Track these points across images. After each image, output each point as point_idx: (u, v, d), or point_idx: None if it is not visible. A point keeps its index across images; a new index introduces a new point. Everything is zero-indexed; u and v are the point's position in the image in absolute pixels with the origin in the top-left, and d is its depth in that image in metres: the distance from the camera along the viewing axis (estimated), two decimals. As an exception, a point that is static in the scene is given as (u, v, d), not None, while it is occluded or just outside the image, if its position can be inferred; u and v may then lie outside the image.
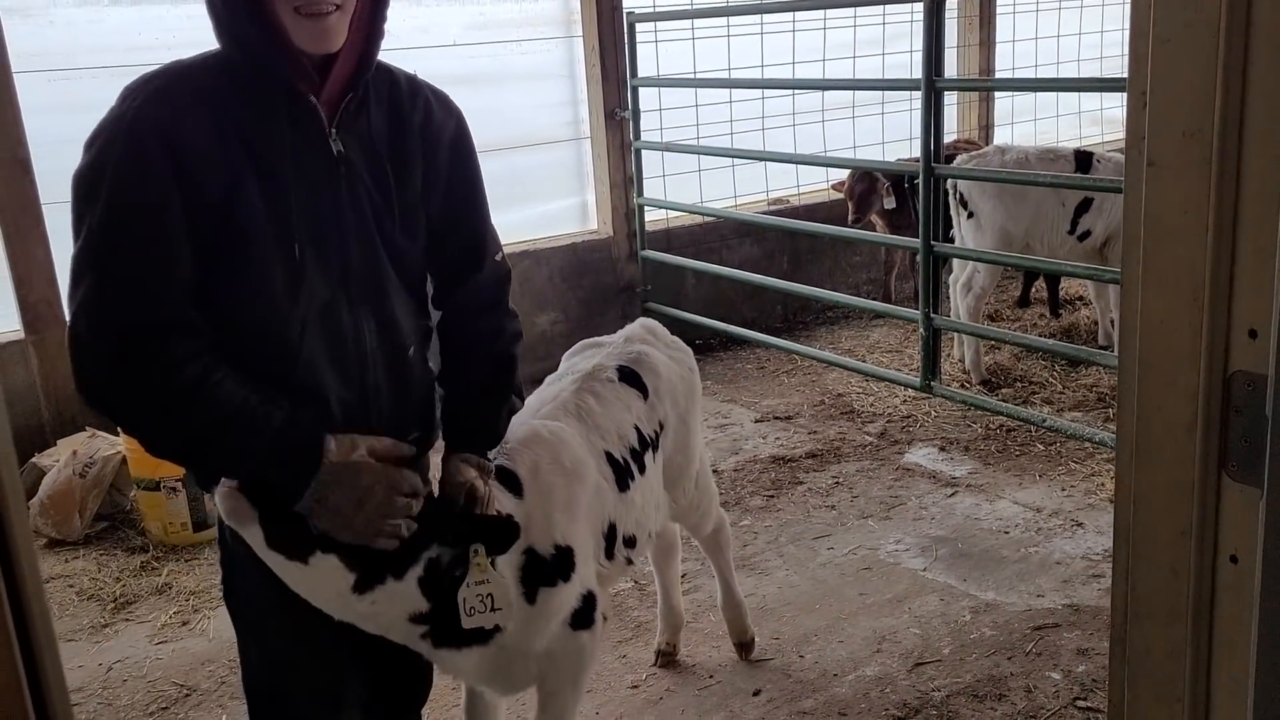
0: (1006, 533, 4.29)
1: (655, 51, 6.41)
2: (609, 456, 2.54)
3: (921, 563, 4.10)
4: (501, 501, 2.16)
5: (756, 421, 5.60)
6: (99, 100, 5.59)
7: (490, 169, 6.55)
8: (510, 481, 2.27)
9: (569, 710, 2.42)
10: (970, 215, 5.61)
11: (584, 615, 2.34)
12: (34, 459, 4.85)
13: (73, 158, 5.57)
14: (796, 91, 6.71)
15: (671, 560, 3.42)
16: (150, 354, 1.76)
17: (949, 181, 5.39)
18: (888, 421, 5.47)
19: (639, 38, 6.32)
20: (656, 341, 3.00)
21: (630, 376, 2.77)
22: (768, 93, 6.66)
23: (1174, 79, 1.24)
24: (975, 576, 3.98)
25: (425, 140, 2.06)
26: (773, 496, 4.72)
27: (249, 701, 2.16)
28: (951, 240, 5.67)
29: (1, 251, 4.91)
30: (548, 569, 2.24)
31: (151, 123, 1.78)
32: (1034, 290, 7.00)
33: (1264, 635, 1.23)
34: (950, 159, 6.79)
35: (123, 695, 3.55)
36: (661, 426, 2.80)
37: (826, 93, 6.87)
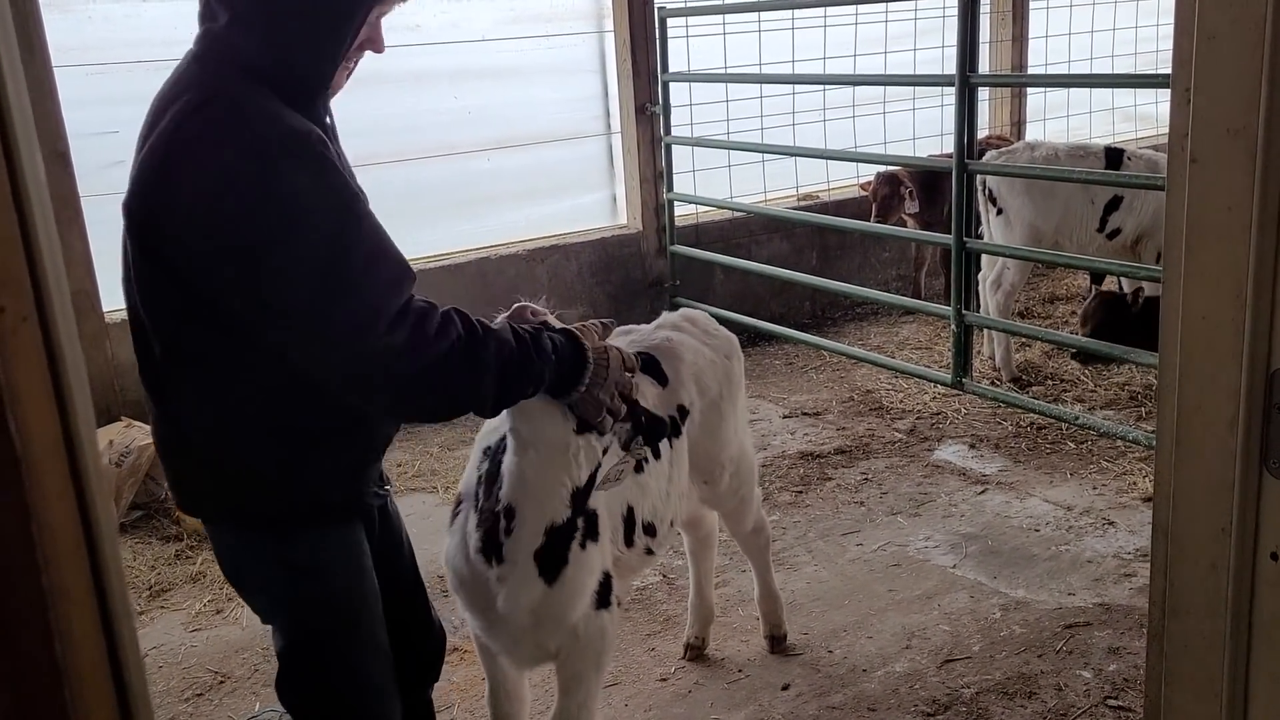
0: (1037, 530, 4.27)
1: (686, 46, 6.41)
2: None
3: (951, 560, 4.10)
4: None
5: (785, 417, 5.60)
6: (136, 93, 5.61)
7: (519, 163, 6.60)
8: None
9: (593, 694, 2.45)
10: (1000, 212, 5.58)
11: (603, 595, 2.40)
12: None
13: (110, 150, 5.66)
14: (827, 87, 6.69)
15: (708, 553, 3.44)
16: (460, 330, 1.83)
17: (978, 178, 5.36)
18: (917, 418, 5.46)
19: (670, 32, 6.32)
20: (692, 329, 3.02)
21: (648, 364, 2.79)
22: (798, 88, 6.65)
23: (1219, 76, 1.24)
24: (1005, 574, 3.97)
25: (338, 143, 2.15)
26: (801, 492, 4.73)
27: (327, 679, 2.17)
28: (980, 237, 5.65)
29: (41, 243, 4.97)
30: (590, 521, 2.35)
31: (309, 134, 1.79)
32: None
33: (1305, 633, 1.23)
34: (980, 155, 6.78)
35: (158, 681, 3.61)
36: (684, 411, 2.82)
37: (857, 88, 6.84)
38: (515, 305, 2.16)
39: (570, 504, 2.21)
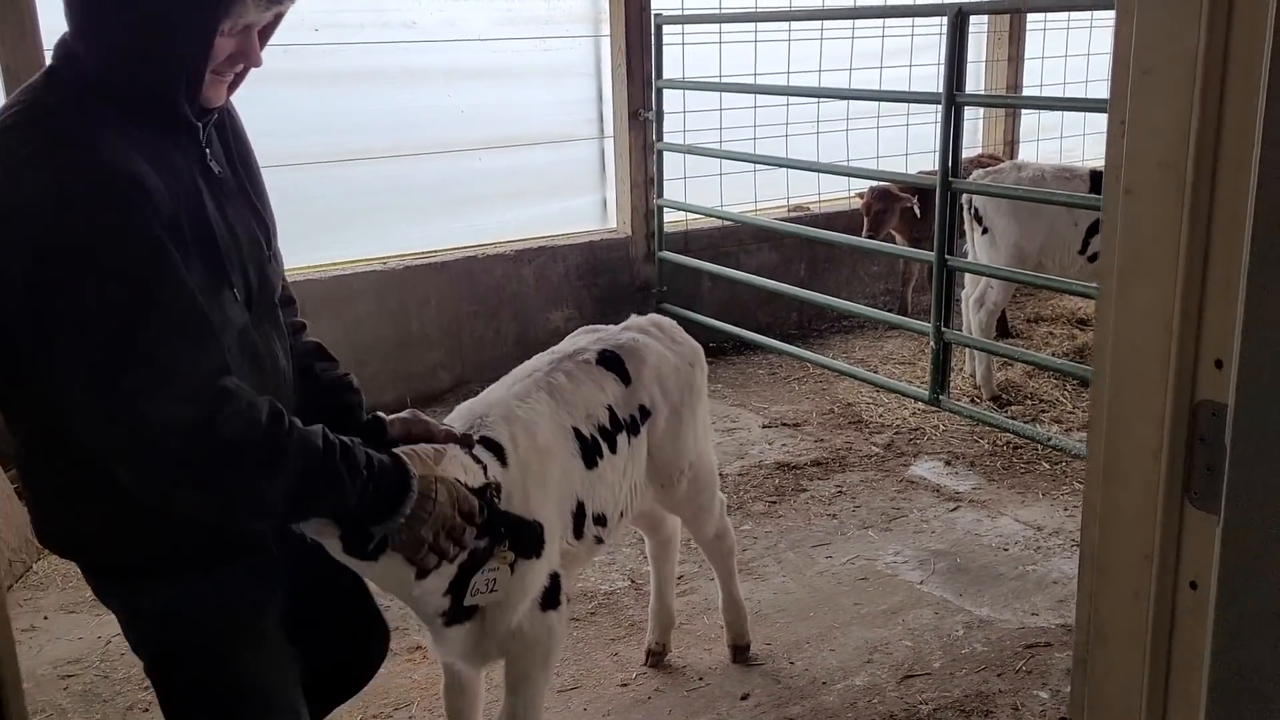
0: (1006, 550, 4.29)
1: (681, 54, 6.43)
2: (576, 432, 2.59)
3: (919, 575, 4.11)
4: (496, 471, 2.27)
5: (764, 427, 5.61)
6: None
7: (511, 163, 6.62)
8: (497, 451, 2.34)
9: (539, 693, 2.47)
10: (985, 231, 5.60)
11: (551, 596, 2.42)
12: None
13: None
14: (821, 99, 6.71)
15: (668, 558, 3.45)
16: (239, 426, 1.63)
17: (964, 197, 5.38)
18: (895, 433, 5.47)
19: (665, 39, 6.34)
20: (659, 334, 3.04)
21: (611, 361, 2.82)
22: (793, 99, 6.67)
23: (1152, 109, 1.26)
24: (971, 592, 3.98)
25: (246, 143, 2.01)
26: (775, 503, 4.74)
27: None
28: (963, 255, 5.67)
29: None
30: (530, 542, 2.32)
31: (113, 168, 1.58)
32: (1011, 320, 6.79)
33: (1217, 661, 1.25)
34: (970, 174, 6.80)
35: (120, 668, 3.61)
36: (645, 412, 2.84)
37: (851, 102, 6.86)
38: (407, 412, 2.13)
39: (446, 597, 2.16)
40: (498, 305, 6.15)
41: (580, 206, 6.66)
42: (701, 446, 3.12)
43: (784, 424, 5.65)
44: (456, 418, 2.47)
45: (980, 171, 5.61)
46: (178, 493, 1.65)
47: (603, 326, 3.06)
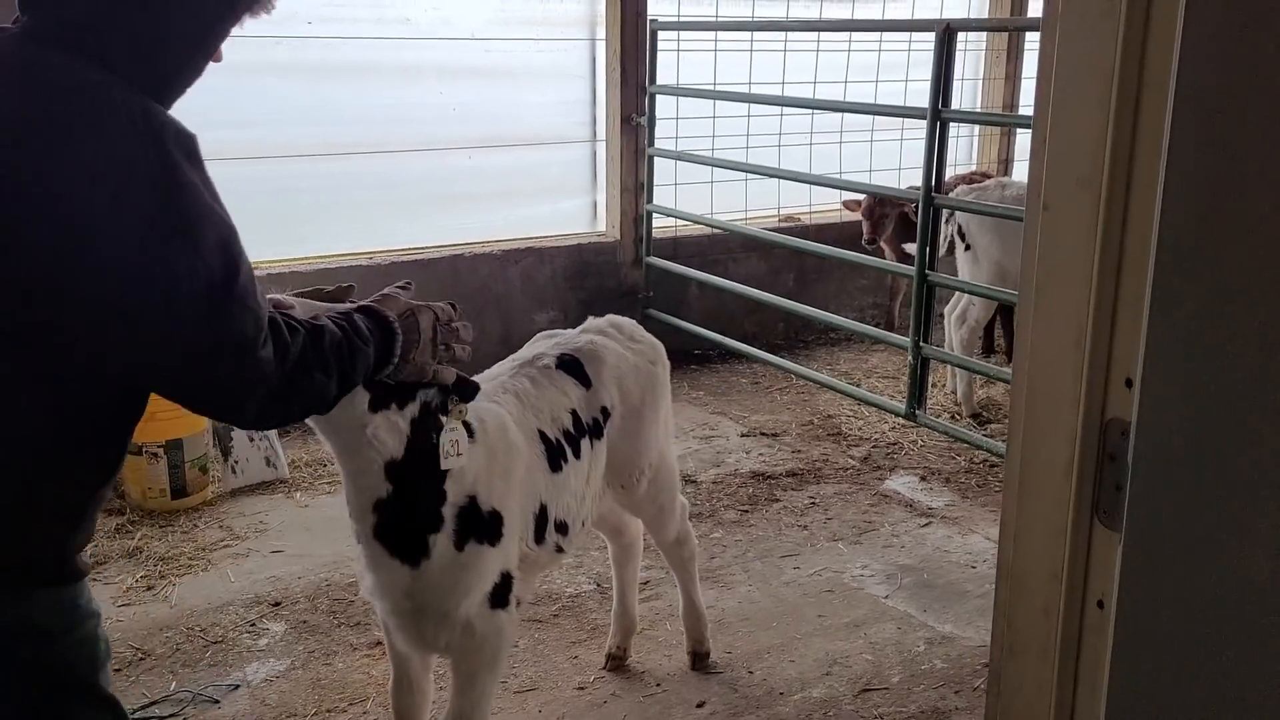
0: (974, 567, 4.28)
1: (676, 60, 6.44)
2: (542, 435, 2.61)
3: (884, 590, 4.10)
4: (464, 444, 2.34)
5: (742, 436, 5.61)
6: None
7: (501, 163, 6.62)
8: (466, 428, 2.36)
9: (486, 695, 2.47)
10: (968, 248, 5.60)
11: (501, 595, 2.42)
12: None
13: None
14: (815, 111, 6.72)
15: (630, 562, 3.45)
16: (303, 332, 1.74)
17: (945, 213, 5.38)
18: (873, 447, 5.47)
19: (661, 45, 6.35)
20: (616, 334, 3.04)
21: (570, 365, 2.82)
22: (786, 110, 6.67)
23: (1070, 125, 1.26)
24: (936, 608, 3.97)
25: None
26: (747, 512, 4.73)
27: None
28: (952, 271, 5.68)
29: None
30: (482, 526, 2.36)
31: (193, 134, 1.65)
32: (996, 337, 6.78)
33: (1116, 681, 1.24)
34: (954, 190, 6.80)
35: (80, 652, 3.61)
36: (605, 414, 2.84)
37: (845, 115, 6.87)
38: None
39: (389, 479, 2.21)
40: (483, 305, 6.15)
41: (570, 209, 6.66)
42: (663, 446, 3.12)
43: (763, 433, 5.64)
44: None
45: (965, 188, 5.61)
46: (272, 413, 1.74)
47: (561, 331, 3.07)
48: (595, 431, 2.80)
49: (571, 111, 6.56)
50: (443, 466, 2.22)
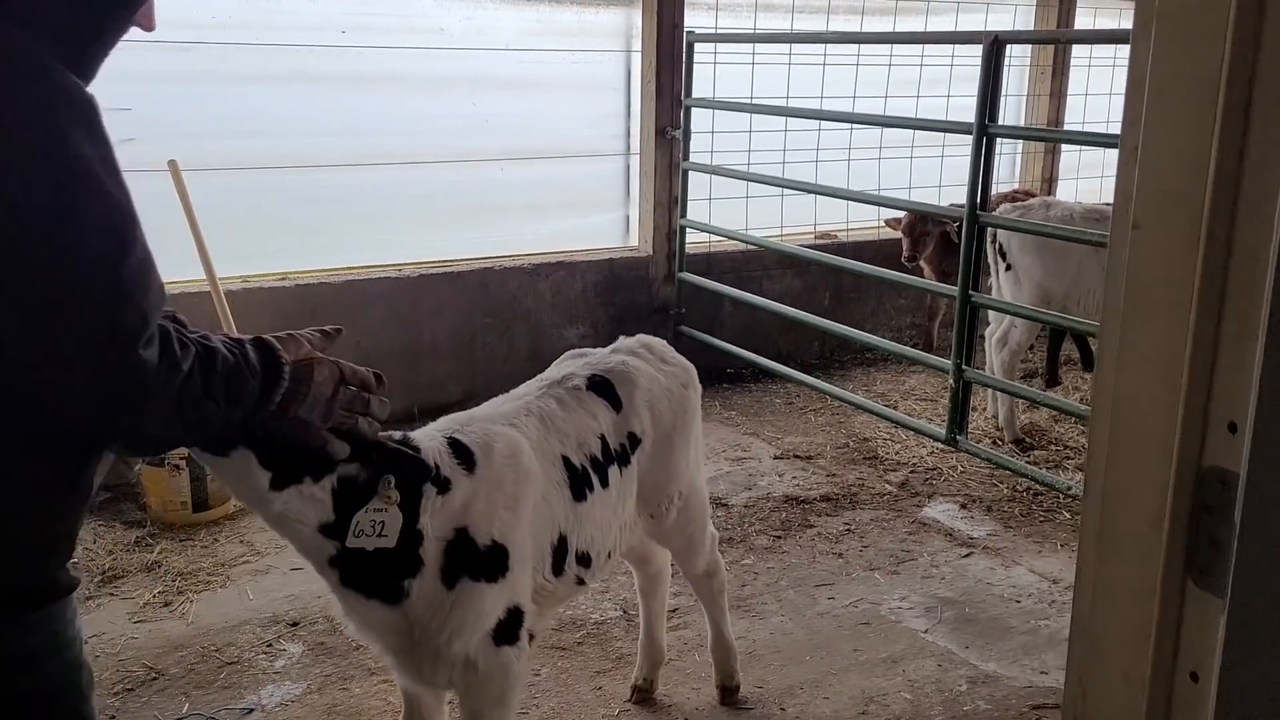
0: (1018, 602, 4.10)
1: (713, 72, 6.32)
2: (566, 461, 2.47)
3: (924, 624, 3.93)
4: (452, 470, 2.17)
5: (775, 458, 5.45)
6: (151, 72, 5.58)
7: (533, 176, 6.53)
8: (464, 456, 2.23)
9: None
10: (1009, 268, 5.42)
11: (508, 630, 2.27)
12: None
13: (119, 127, 5.60)
14: (854, 125, 6.57)
15: (657, 592, 3.30)
16: (195, 349, 1.56)
17: (989, 232, 5.21)
18: (911, 472, 5.30)
19: (697, 57, 6.24)
20: (648, 355, 2.90)
21: (601, 386, 2.68)
22: (824, 124, 6.53)
23: (1168, 134, 1.11)
24: (978, 645, 3.79)
25: None
26: (780, 537, 4.57)
27: None
28: (987, 291, 5.50)
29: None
30: (477, 561, 2.19)
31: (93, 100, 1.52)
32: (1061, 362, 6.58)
33: (1214, 768, 1.09)
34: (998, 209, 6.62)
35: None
36: (635, 440, 2.70)
37: (885, 130, 6.72)
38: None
39: (331, 537, 2.01)
40: (512, 319, 6.05)
41: (602, 223, 6.55)
42: (693, 474, 2.97)
43: (796, 456, 5.48)
44: (439, 426, 2.35)
45: (1008, 206, 5.44)
46: (149, 431, 1.56)
47: (590, 350, 2.93)
48: (624, 458, 2.66)
49: (605, 124, 6.46)
50: (350, 544, 1.99)
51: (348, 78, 5.71)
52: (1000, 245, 5.42)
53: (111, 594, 4.01)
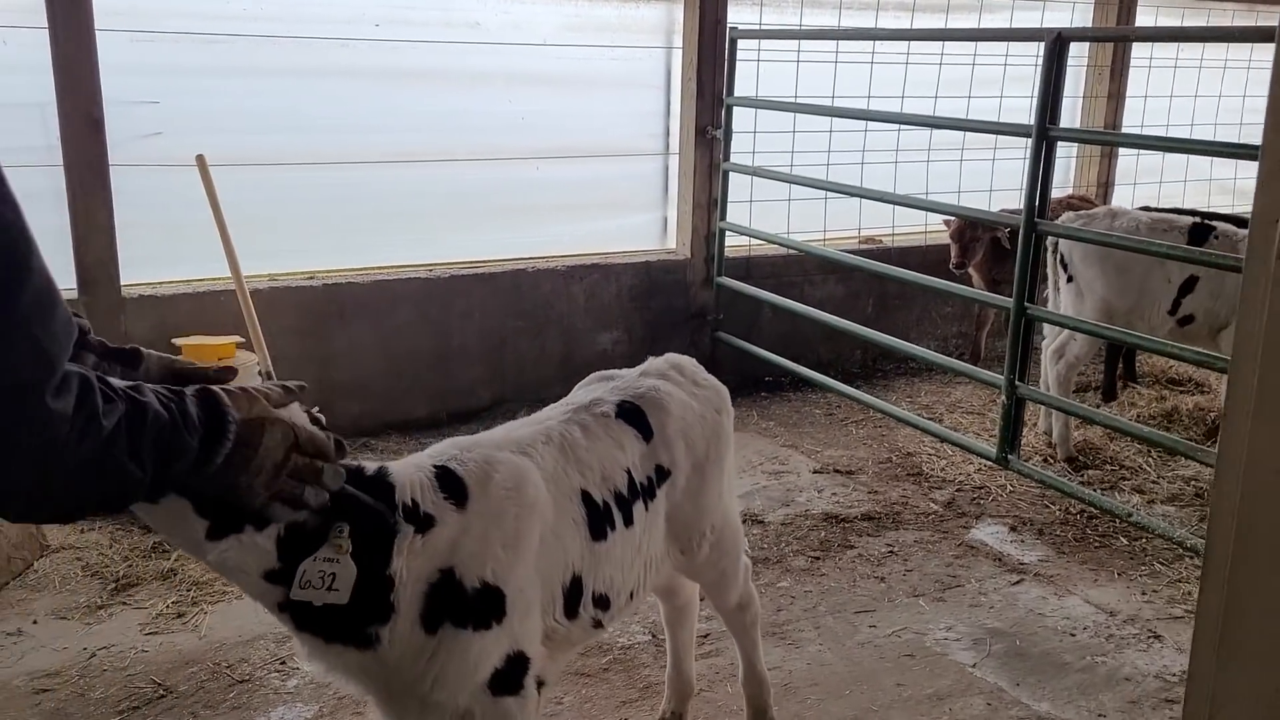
0: (1073, 635, 3.85)
1: (756, 70, 6.10)
2: (586, 496, 2.26)
3: (972, 657, 3.70)
4: (436, 505, 1.96)
5: (815, 472, 5.23)
6: (180, 65, 5.46)
7: (569, 175, 6.37)
8: (455, 488, 2.01)
9: None
10: (1070, 279, 5.15)
11: (507, 680, 2.05)
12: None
13: (147, 120, 5.44)
14: (902, 126, 6.32)
15: (685, 623, 3.10)
16: (122, 404, 1.40)
17: (1049, 240, 4.95)
18: (957, 490, 5.05)
19: (739, 54, 6.02)
20: (680, 378, 2.68)
21: (631, 414, 2.47)
22: (872, 125, 6.29)
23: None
24: (1030, 682, 3.55)
25: None
26: (818, 559, 4.35)
27: None
28: (1044, 302, 5.25)
29: (65, 209, 4.83)
30: (463, 605, 1.97)
31: None
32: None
33: None
34: (1059, 215, 6.33)
35: (98, 686, 3.38)
36: (665, 472, 2.49)
37: (935, 131, 6.46)
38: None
39: (278, 583, 1.79)
40: (544, 323, 5.87)
41: (638, 224, 6.36)
42: (726, 505, 2.76)
43: (836, 470, 5.26)
44: (435, 452, 2.16)
45: (1071, 215, 5.17)
46: (53, 497, 1.37)
47: (618, 372, 2.70)
48: (652, 493, 2.45)
49: (644, 123, 6.26)
50: (294, 596, 1.77)
51: (381, 72, 5.56)
52: (1061, 255, 5.15)
53: (124, 603, 3.88)
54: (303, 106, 5.44)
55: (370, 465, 1.96)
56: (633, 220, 6.34)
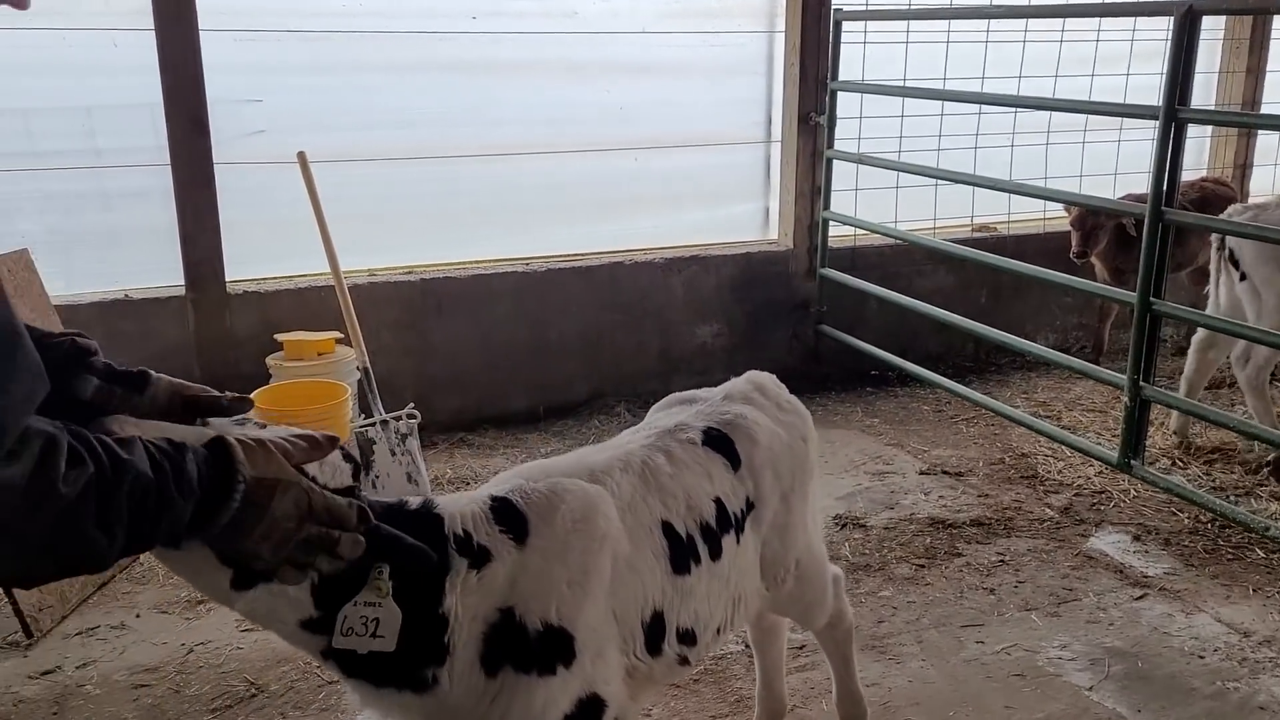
0: (1201, 657, 3.57)
1: (862, 54, 5.86)
2: (668, 528, 2.11)
3: (1088, 679, 3.46)
4: (492, 538, 1.85)
5: (921, 473, 5.01)
6: (284, 63, 5.55)
7: (668, 166, 6.27)
8: (513, 521, 1.90)
9: None
10: (1244, 277, 4.74)
11: None
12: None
13: (251, 119, 5.51)
14: (1019, 109, 5.99)
15: (774, 643, 2.96)
16: (92, 468, 1.28)
17: (1215, 237, 4.57)
18: (1075, 495, 4.77)
19: (845, 37, 5.80)
20: (764, 401, 2.52)
21: (719, 441, 2.32)
22: (985, 108, 5.97)
23: None
24: (1154, 708, 3.30)
25: None
26: (923, 567, 4.15)
27: None
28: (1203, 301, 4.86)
29: (172, 208, 4.94)
30: (526, 649, 1.85)
31: None
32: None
33: None
34: (1199, 201, 5.91)
35: (193, 683, 3.42)
36: (752, 505, 2.35)
37: (1054, 114, 6.11)
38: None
39: (318, 631, 1.69)
40: (642, 316, 5.78)
41: (739, 215, 6.20)
42: (810, 536, 2.58)
43: (945, 471, 5.02)
44: (499, 481, 2.06)
45: (1238, 208, 4.78)
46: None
47: (697, 393, 2.54)
48: (739, 526, 2.30)
49: (745, 110, 6.09)
50: (337, 645, 1.68)
51: (479, 65, 5.54)
52: (1230, 251, 4.76)
53: (223, 598, 3.93)
54: (402, 101, 5.45)
55: (414, 500, 1.87)
56: (733, 211, 6.18)
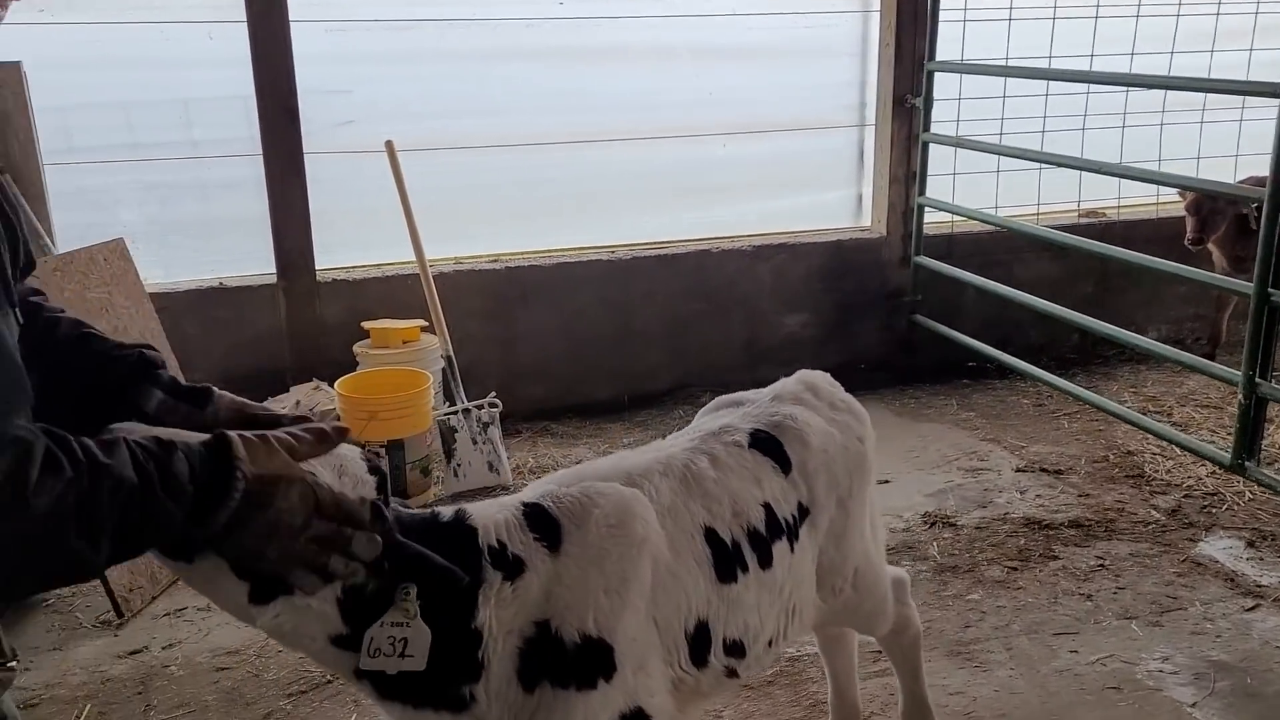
0: (1318, 676, 3.33)
1: (961, 32, 5.63)
2: (711, 534, 2.01)
3: (1191, 694, 3.25)
4: (526, 547, 1.79)
5: (1018, 471, 4.80)
6: (373, 53, 5.58)
7: (758, 151, 6.13)
8: (546, 528, 1.83)
9: None
10: None
11: None
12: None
13: (341, 109, 5.61)
14: (1131, 88, 5.68)
15: (843, 650, 2.83)
16: (69, 475, 1.25)
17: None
18: (1185, 496, 4.50)
19: (943, 15, 5.57)
20: (816, 401, 2.38)
21: (767, 444, 2.21)
22: (1094, 87, 5.67)
23: None
24: (1262, 729, 3.09)
25: None
26: (1015, 569, 3.97)
27: None
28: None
29: (264, 197, 5.03)
30: (563, 663, 1.77)
31: None
32: None
33: None
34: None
35: (271, 668, 3.47)
36: (806, 510, 2.24)
37: (1169, 92, 5.78)
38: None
39: (347, 647, 1.62)
40: (728, 305, 5.67)
41: (830, 201, 6.03)
42: (867, 544, 2.44)
43: (1043, 469, 4.80)
44: (533, 488, 1.99)
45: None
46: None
47: (745, 395, 2.42)
48: (791, 532, 2.19)
49: (837, 94, 5.91)
50: (364, 666, 1.62)
51: (567, 52, 5.49)
52: None
53: (305, 583, 3.99)
54: (489, 89, 5.45)
55: (446, 511, 1.82)
56: (824, 197, 6.02)
